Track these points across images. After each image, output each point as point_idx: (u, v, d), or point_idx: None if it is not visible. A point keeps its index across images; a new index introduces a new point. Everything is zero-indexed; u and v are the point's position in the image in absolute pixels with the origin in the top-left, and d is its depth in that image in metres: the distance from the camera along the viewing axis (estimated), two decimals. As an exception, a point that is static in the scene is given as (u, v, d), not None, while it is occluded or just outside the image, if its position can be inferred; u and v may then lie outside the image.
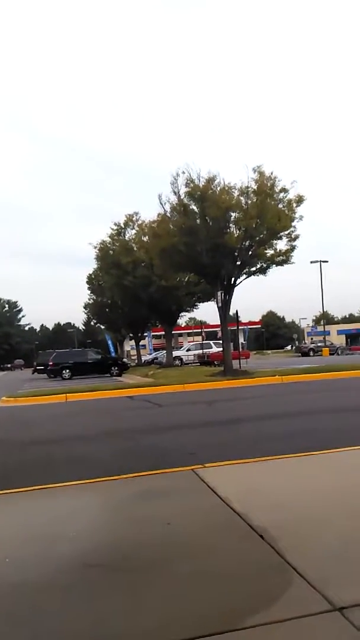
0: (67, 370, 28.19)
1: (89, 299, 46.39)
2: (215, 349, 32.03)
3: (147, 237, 26.19)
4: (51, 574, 2.70)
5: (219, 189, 18.41)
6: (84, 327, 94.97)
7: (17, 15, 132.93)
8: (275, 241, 18.79)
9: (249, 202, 18.05)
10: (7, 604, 2.43)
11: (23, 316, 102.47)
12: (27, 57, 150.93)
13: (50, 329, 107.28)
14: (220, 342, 24.43)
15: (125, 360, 35.83)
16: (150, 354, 47.16)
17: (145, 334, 46.64)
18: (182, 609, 2.25)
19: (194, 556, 2.82)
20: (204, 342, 35.29)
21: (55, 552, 3.01)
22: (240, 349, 32.31)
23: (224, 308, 19.45)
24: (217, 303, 19.58)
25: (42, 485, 4.54)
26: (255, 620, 2.09)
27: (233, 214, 18.34)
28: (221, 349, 23.16)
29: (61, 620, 2.24)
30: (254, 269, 19.34)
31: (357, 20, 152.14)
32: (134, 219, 31.81)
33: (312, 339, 66.45)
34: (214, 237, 18.00)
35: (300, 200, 18.41)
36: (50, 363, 29.22)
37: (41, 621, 2.24)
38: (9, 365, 76.28)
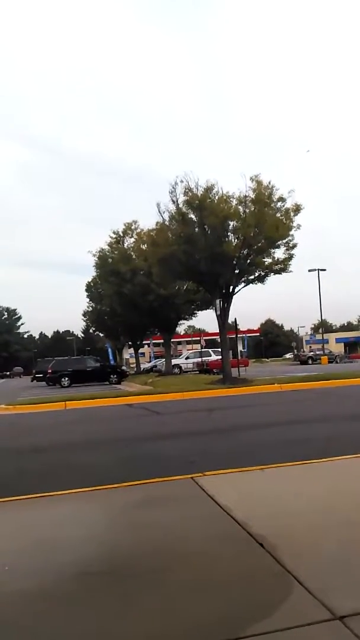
0: (66, 378, 28.14)
1: (88, 307, 46.39)
2: (214, 357, 32.02)
3: (145, 246, 26.25)
4: (51, 581, 2.69)
5: (217, 197, 18.49)
6: (82, 335, 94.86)
7: (14, 17, 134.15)
8: (273, 250, 18.86)
9: (247, 211, 18.12)
10: (7, 611, 2.42)
11: (22, 324, 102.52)
12: (25, 60, 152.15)
13: (49, 336, 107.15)
14: (219, 350, 24.44)
15: (124, 368, 35.77)
16: (150, 362, 47.11)
17: (146, 342, 46.56)
18: (183, 617, 2.25)
19: (194, 564, 2.81)
20: (203, 350, 35.26)
21: (54, 559, 3.00)
22: (239, 357, 32.32)
23: (222, 316, 19.47)
24: (215, 311, 19.61)
25: (41, 493, 4.52)
26: (255, 629, 2.08)
27: (231, 223, 18.41)
28: (220, 357, 23.16)
29: (62, 628, 2.23)
30: (252, 277, 19.40)
31: (355, 29, 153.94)
32: (133, 227, 31.88)
33: (310, 347, 66.40)
34: (212, 246, 18.06)
35: (297, 209, 18.49)
36: (49, 371, 29.16)
37: (42, 629, 2.23)
38: (7, 373, 76.09)
